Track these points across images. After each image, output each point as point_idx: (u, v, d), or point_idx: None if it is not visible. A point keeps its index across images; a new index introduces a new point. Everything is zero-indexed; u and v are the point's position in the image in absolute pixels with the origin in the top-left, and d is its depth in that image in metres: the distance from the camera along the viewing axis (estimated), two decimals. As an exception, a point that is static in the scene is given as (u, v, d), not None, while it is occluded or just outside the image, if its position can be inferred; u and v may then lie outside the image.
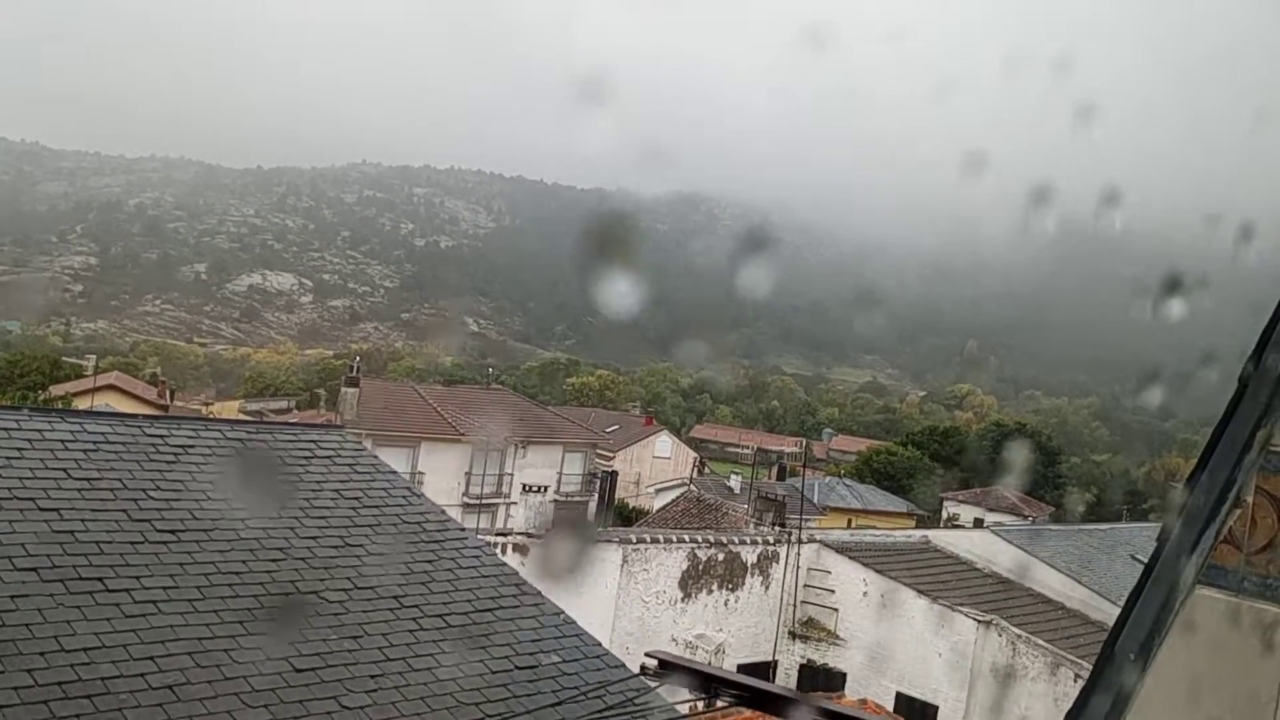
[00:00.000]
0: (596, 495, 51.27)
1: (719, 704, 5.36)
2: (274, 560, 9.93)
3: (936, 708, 22.39)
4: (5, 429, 10.20)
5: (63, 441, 10.35)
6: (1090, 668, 4.09)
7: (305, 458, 12.03)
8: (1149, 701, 3.82)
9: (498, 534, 20.90)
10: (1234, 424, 3.97)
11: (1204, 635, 3.91)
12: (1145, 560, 4.15)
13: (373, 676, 8.93)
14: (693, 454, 78.92)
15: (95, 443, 10.56)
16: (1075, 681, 19.97)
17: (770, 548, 24.37)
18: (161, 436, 11.18)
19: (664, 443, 78.26)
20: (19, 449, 9.99)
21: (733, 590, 23.52)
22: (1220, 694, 3.88)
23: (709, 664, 15.00)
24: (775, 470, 64.61)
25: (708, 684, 5.30)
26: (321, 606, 9.56)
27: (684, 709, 8.37)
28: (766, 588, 24.12)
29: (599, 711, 8.23)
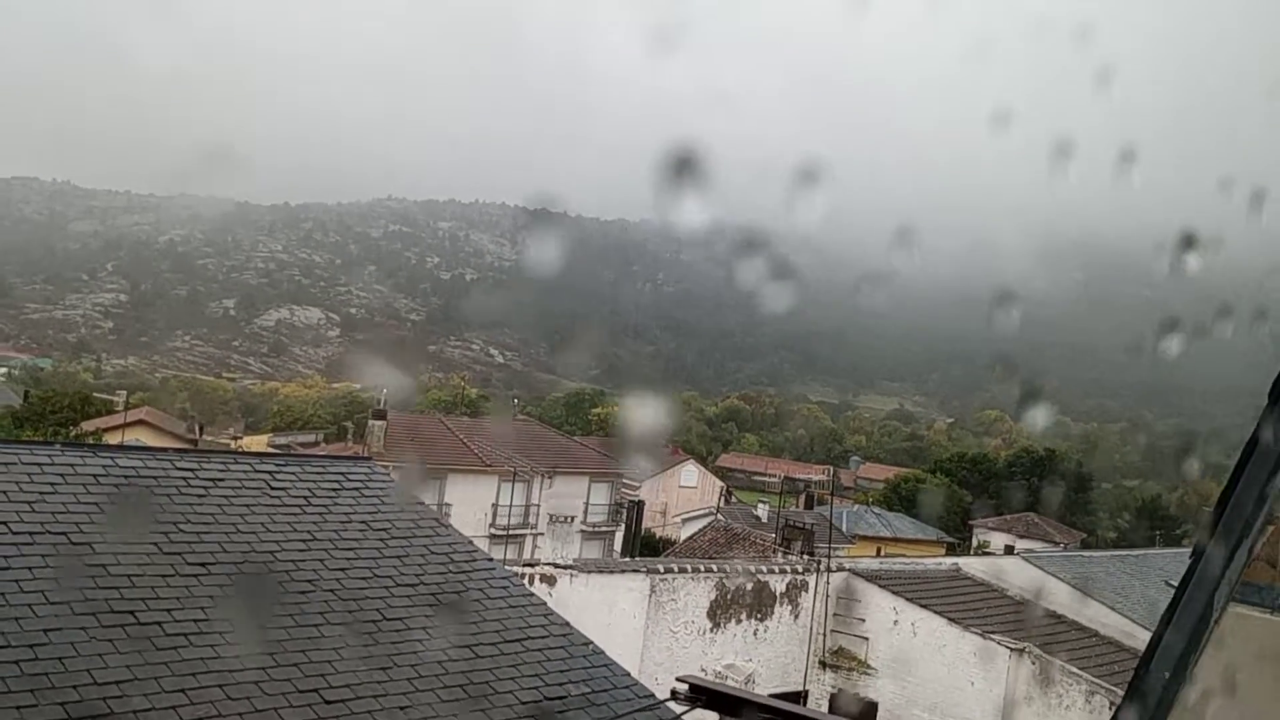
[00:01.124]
0: (623, 525, 51.13)
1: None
2: (303, 592, 9.98)
3: (970, 737, 22.12)
4: (38, 464, 10.32)
5: (95, 476, 10.46)
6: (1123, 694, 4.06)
7: (334, 489, 12.09)
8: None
9: (525, 565, 20.88)
10: (1263, 442, 3.94)
11: (1239, 653, 3.86)
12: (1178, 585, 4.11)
13: (402, 708, 8.93)
14: (719, 483, 78.62)
15: (126, 477, 10.67)
16: (1109, 709, 19.70)
17: (799, 576, 24.21)
18: (192, 470, 11.28)
19: (690, 472, 77.98)
20: (52, 484, 10.10)
21: (762, 620, 23.36)
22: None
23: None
24: (803, 499, 64.37)
25: (738, 709, 5.27)
26: (350, 639, 9.58)
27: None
28: (796, 617, 23.94)
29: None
